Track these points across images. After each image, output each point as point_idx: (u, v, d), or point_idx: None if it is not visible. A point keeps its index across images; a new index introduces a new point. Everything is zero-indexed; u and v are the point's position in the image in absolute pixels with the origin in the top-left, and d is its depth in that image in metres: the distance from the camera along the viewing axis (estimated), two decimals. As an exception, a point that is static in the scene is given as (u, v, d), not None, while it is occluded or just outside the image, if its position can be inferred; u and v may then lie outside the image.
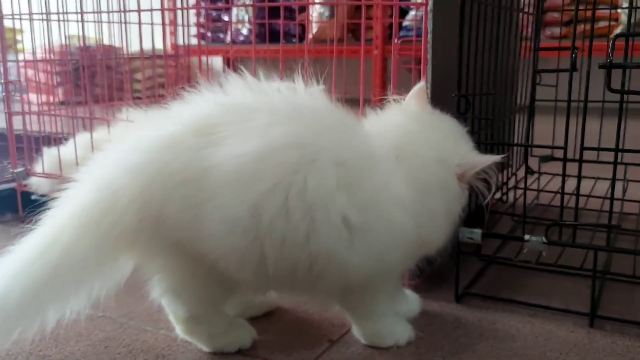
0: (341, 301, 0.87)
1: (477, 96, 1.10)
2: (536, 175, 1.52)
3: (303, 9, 2.94)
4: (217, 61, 3.49)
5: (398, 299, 0.94)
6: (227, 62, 3.47)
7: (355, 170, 0.76)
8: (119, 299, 0.87)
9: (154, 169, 0.74)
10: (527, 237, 0.95)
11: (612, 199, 0.94)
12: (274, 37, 2.74)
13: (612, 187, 0.95)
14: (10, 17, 1.51)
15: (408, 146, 0.83)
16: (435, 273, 1.07)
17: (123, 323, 0.95)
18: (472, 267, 1.14)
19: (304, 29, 3.05)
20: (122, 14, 1.46)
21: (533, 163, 1.52)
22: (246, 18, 3.27)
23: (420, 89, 0.92)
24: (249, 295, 0.93)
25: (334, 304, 0.89)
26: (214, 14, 3.37)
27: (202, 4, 3.19)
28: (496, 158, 0.83)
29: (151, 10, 1.55)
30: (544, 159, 1.54)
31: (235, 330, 0.86)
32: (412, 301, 0.97)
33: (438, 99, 0.98)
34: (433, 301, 1.02)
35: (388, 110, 0.90)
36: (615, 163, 0.94)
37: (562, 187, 0.99)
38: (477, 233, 0.97)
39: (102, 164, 0.79)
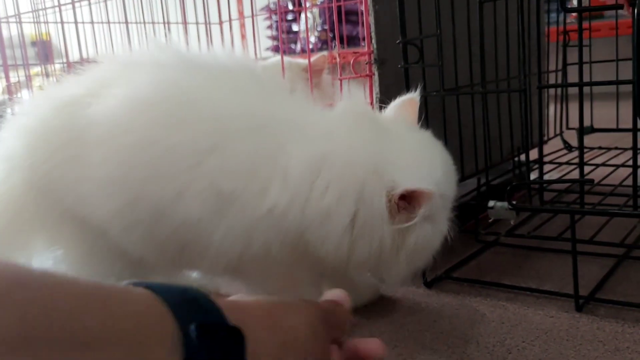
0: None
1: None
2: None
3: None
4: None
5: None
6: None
7: (235, 130, 0.65)
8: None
9: (42, 130, 0.71)
10: (491, 203, 0.78)
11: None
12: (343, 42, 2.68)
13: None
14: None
15: (315, 116, 0.68)
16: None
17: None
18: (468, 249, 0.98)
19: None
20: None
21: (570, 137, 1.33)
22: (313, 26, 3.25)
23: (407, 101, 0.71)
24: (166, 274, 0.84)
25: None
26: (285, 25, 3.38)
27: (273, 17, 3.22)
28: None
29: (230, 20, 1.56)
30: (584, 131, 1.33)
31: None
32: (361, 288, 0.83)
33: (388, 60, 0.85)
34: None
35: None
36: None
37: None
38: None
39: (5, 133, 0.76)
